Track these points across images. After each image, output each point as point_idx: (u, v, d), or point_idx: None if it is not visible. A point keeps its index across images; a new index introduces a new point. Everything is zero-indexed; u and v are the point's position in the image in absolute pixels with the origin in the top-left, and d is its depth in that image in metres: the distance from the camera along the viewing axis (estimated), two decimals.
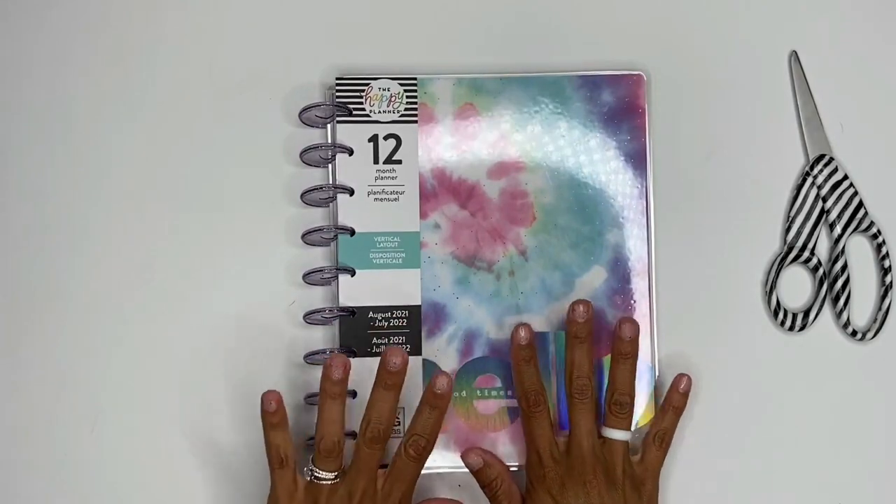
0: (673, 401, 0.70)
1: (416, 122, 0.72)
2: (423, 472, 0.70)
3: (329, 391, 0.65)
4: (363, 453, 0.65)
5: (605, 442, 0.68)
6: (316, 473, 0.65)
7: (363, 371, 0.70)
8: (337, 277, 0.71)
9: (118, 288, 0.71)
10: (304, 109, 0.71)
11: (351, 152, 0.71)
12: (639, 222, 0.72)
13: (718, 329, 0.73)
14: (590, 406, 0.68)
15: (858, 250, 0.74)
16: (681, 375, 0.70)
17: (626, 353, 0.69)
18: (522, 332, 0.69)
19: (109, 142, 0.72)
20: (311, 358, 0.70)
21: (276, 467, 0.65)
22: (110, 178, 0.72)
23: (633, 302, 0.72)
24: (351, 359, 0.70)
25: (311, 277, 0.70)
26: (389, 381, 0.65)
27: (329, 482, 0.65)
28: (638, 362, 0.70)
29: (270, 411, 0.65)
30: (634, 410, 0.69)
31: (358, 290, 0.71)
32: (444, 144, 0.72)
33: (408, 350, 0.70)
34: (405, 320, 0.71)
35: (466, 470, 0.70)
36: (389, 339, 0.71)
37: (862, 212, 0.73)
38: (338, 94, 0.72)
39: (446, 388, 0.65)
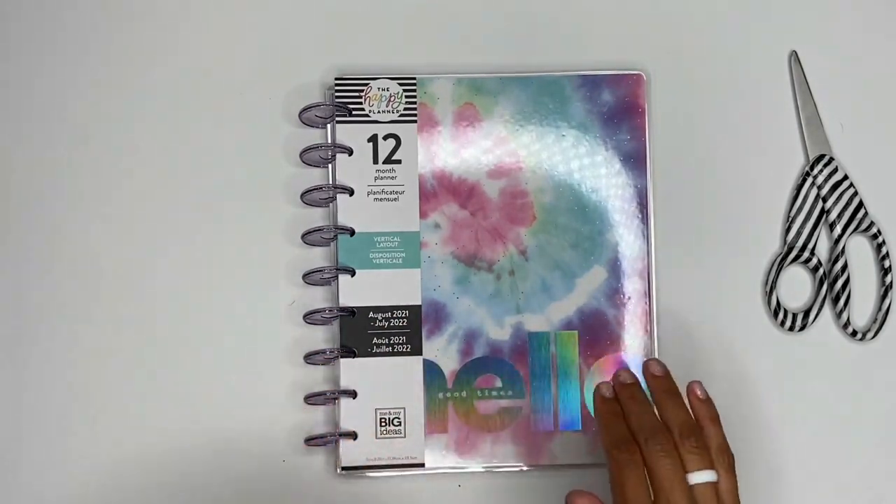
0: (699, 411, 0.65)
1: (415, 121, 0.72)
2: (421, 472, 0.70)
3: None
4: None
5: (695, 489, 0.62)
6: None
7: (363, 371, 0.70)
8: (337, 277, 0.71)
9: (117, 288, 0.71)
10: (304, 109, 0.71)
11: (350, 152, 0.71)
12: (639, 222, 0.72)
13: (718, 329, 0.73)
14: (676, 459, 0.62)
15: (858, 250, 0.74)
16: (690, 384, 0.66)
17: (666, 389, 0.66)
18: (604, 388, 0.67)
19: (109, 142, 0.72)
20: (311, 358, 0.70)
21: None
22: (110, 178, 0.72)
23: (633, 302, 0.72)
24: (351, 359, 0.70)
25: (311, 277, 0.70)
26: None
27: None
28: (638, 359, 0.70)
29: None
30: None
31: (358, 290, 0.71)
32: (444, 144, 0.72)
33: (408, 350, 0.70)
34: (405, 320, 0.71)
35: (467, 470, 0.70)
36: (389, 339, 0.71)
37: (862, 212, 0.73)
38: (337, 93, 0.71)
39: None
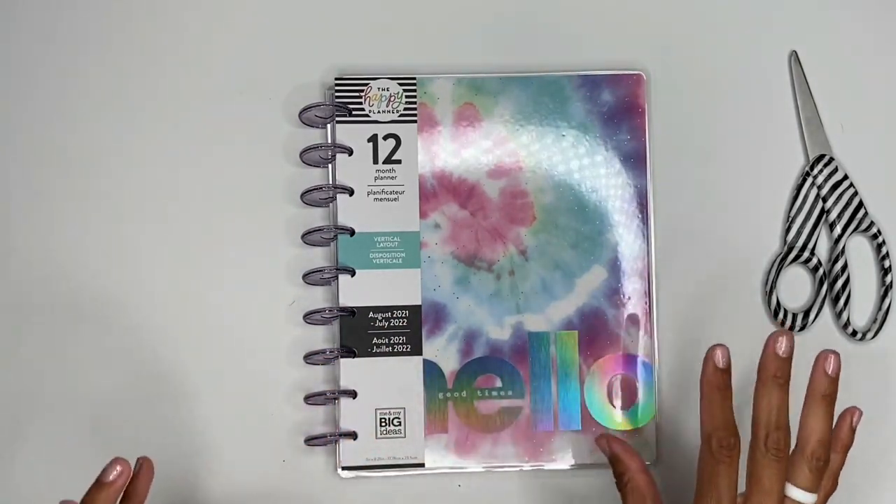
0: (842, 437, 0.63)
1: (415, 121, 0.72)
2: (421, 472, 0.70)
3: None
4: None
5: (786, 502, 0.59)
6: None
7: (363, 371, 0.70)
8: (337, 277, 0.71)
9: (117, 288, 0.71)
10: (304, 109, 0.71)
11: (350, 152, 0.71)
12: (639, 222, 0.72)
13: (718, 329, 0.73)
14: (785, 466, 0.59)
15: (858, 250, 0.74)
16: (851, 409, 0.64)
17: (828, 394, 0.61)
18: (720, 354, 0.61)
19: (109, 142, 0.72)
20: (311, 358, 0.70)
21: None
22: (110, 178, 0.72)
23: (633, 302, 0.72)
24: (351, 359, 0.70)
25: (311, 277, 0.70)
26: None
27: None
28: (638, 359, 0.70)
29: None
30: (638, 408, 0.68)
31: (358, 290, 0.71)
32: (444, 144, 0.72)
33: (408, 350, 0.70)
34: (405, 320, 0.71)
35: (467, 470, 0.70)
36: (389, 339, 0.71)
37: (862, 212, 0.73)
38: (337, 93, 0.71)
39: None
